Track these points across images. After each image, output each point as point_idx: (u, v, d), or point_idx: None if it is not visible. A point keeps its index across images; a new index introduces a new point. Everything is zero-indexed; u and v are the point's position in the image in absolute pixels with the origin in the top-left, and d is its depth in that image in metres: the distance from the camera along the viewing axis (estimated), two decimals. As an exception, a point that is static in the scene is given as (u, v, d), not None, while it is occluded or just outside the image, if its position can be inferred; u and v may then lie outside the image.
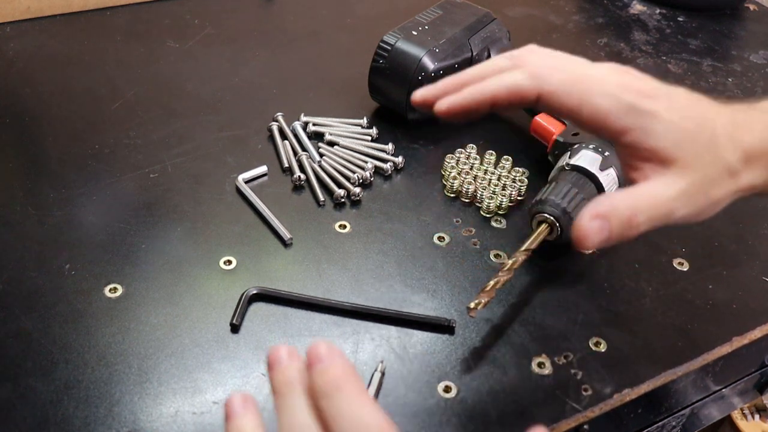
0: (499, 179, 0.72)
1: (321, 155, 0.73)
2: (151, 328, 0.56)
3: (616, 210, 0.44)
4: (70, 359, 0.53)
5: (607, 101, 0.45)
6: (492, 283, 0.59)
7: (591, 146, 0.67)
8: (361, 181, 0.70)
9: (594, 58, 0.94)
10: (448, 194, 0.71)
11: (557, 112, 0.48)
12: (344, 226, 0.66)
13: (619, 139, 0.46)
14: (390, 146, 0.75)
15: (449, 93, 0.47)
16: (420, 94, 0.49)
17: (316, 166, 0.71)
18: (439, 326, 0.58)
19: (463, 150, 0.75)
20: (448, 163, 0.73)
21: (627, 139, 0.46)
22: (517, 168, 0.73)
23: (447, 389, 0.54)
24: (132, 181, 0.69)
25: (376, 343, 0.57)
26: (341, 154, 0.73)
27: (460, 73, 0.48)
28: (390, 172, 0.72)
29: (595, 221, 0.44)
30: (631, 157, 0.47)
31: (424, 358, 0.56)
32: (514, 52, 0.48)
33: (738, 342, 0.60)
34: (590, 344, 0.58)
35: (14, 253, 0.60)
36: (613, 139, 0.47)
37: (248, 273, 0.61)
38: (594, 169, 0.65)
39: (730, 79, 0.94)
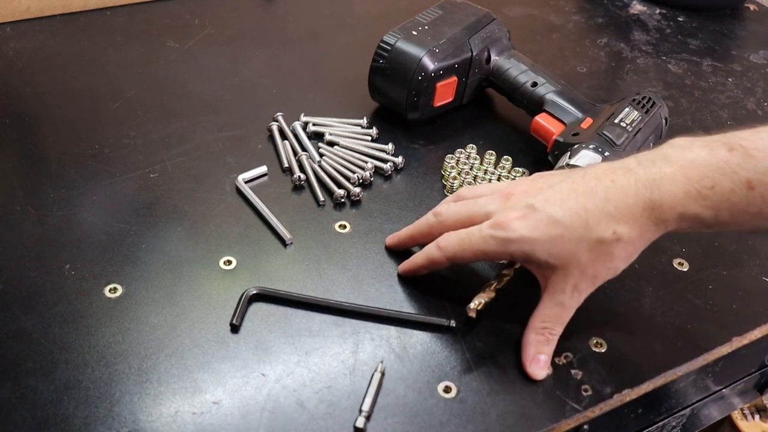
0: (499, 179, 0.72)
1: (321, 155, 0.73)
2: (151, 328, 0.56)
3: (535, 343, 0.56)
4: (70, 359, 0.53)
5: (489, 245, 0.55)
6: (492, 283, 0.59)
7: (591, 146, 0.67)
8: (361, 181, 0.70)
9: (594, 58, 0.95)
10: (448, 194, 0.71)
11: (466, 263, 0.63)
12: (344, 226, 0.66)
13: (516, 262, 0.60)
14: (390, 146, 0.75)
15: (403, 247, 0.64)
16: (389, 241, 0.65)
17: (316, 166, 0.71)
18: (439, 326, 0.58)
19: (463, 150, 0.75)
20: (448, 163, 0.73)
21: (518, 261, 0.58)
22: (517, 168, 0.73)
23: (447, 389, 0.54)
24: (132, 181, 0.69)
25: (376, 343, 0.57)
26: (341, 154, 0.73)
27: (406, 229, 0.64)
28: (390, 172, 0.72)
29: (533, 365, 0.55)
30: (530, 267, 0.57)
31: (424, 358, 0.56)
32: (439, 207, 0.62)
33: (738, 342, 0.60)
34: (590, 344, 0.58)
35: (14, 253, 0.60)
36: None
37: (248, 273, 0.61)
38: (594, 169, 0.64)
39: (730, 79, 0.94)
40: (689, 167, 0.51)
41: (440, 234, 0.59)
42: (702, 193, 0.50)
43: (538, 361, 0.56)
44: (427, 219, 0.62)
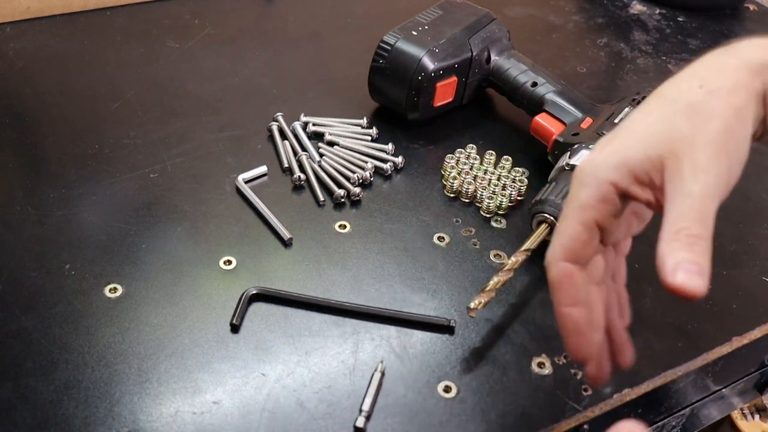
0: (499, 179, 0.72)
1: (321, 155, 0.73)
2: (151, 328, 0.56)
3: (671, 254, 0.40)
4: (70, 359, 0.53)
5: (578, 201, 0.44)
6: (492, 283, 0.59)
7: (591, 146, 0.67)
8: (361, 181, 0.70)
9: (594, 58, 0.95)
10: (448, 194, 0.71)
11: (588, 238, 0.45)
12: (344, 226, 0.66)
13: (630, 196, 0.44)
14: (390, 146, 0.75)
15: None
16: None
17: (316, 166, 0.71)
18: (439, 326, 0.58)
19: (463, 150, 0.75)
20: (448, 163, 0.73)
21: (622, 186, 0.43)
22: (517, 168, 0.73)
23: (447, 389, 0.54)
24: (132, 181, 0.69)
25: (376, 343, 0.57)
26: (341, 154, 0.73)
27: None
28: (390, 172, 0.72)
29: (678, 275, 0.40)
30: (640, 195, 0.44)
31: (424, 358, 0.56)
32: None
33: (738, 342, 0.60)
34: (590, 344, 0.58)
35: (14, 253, 0.60)
36: (637, 199, 0.44)
37: (248, 273, 0.61)
38: (594, 169, 0.64)
39: (730, 79, 0.94)
40: None
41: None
42: None
43: (687, 271, 0.40)
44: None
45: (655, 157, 0.42)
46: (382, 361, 0.55)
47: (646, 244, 0.68)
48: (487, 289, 0.59)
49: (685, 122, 0.42)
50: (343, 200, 0.68)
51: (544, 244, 0.62)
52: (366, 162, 0.72)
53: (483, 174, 0.72)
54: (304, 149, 0.73)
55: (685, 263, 0.40)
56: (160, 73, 0.83)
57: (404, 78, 0.74)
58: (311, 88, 0.83)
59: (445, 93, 0.76)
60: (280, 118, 0.76)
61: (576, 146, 0.68)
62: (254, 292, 0.58)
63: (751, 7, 1.11)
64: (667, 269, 0.40)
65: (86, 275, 0.59)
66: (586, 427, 0.54)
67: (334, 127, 0.77)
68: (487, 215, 0.69)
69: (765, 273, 0.66)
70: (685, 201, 0.41)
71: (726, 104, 0.42)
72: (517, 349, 0.57)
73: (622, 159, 0.43)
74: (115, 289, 0.58)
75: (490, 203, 0.69)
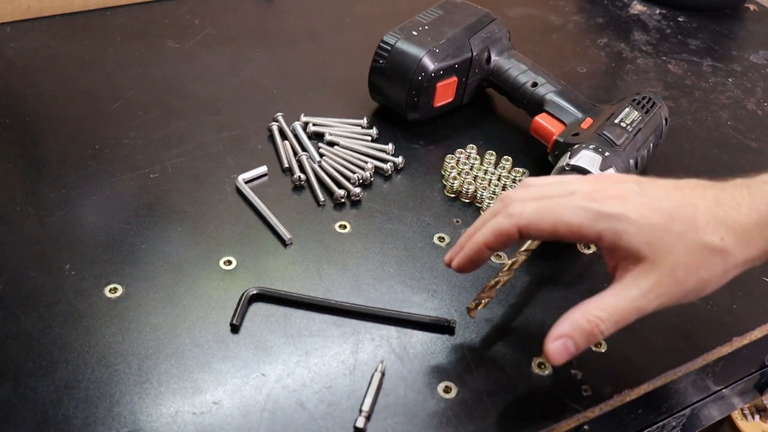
0: (499, 179, 0.72)
1: (321, 155, 0.73)
2: (151, 328, 0.56)
3: (576, 326, 0.48)
4: (70, 359, 0.53)
5: (576, 215, 0.48)
6: (492, 283, 0.59)
7: (591, 146, 0.67)
8: (361, 181, 0.70)
9: (594, 58, 0.95)
10: (448, 194, 0.71)
11: (538, 238, 0.55)
12: (344, 226, 0.66)
13: (597, 244, 0.50)
14: (390, 146, 0.75)
15: (461, 249, 0.54)
16: (446, 259, 0.55)
17: (316, 166, 0.71)
18: (439, 326, 0.58)
19: (463, 150, 0.75)
20: (448, 163, 0.73)
21: (603, 243, 0.49)
22: (517, 168, 0.73)
23: (447, 389, 0.54)
24: (132, 181, 0.69)
25: (376, 343, 0.57)
26: (341, 154, 0.73)
27: (466, 232, 0.54)
28: (390, 172, 0.72)
29: (557, 342, 0.48)
30: (611, 256, 0.50)
31: (424, 358, 0.56)
32: (507, 192, 0.55)
33: (738, 342, 0.60)
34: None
35: (14, 253, 0.60)
36: (593, 244, 0.51)
37: (248, 273, 0.61)
38: (594, 169, 0.65)
39: (730, 80, 0.94)
40: None
41: None
42: None
43: (565, 347, 0.48)
44: (492, 208, 0.53)
45: (643, 253, 0.47)
46: (382, 361, 0.55)
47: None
48: (487, 289, 0.59)
49: (684, 255, 0.47)
50: (343, 200, 0.68)
51: (544, 245, 0.63)
52: (366, 162, 0.72)
53: (483, 174, 0.72)
54: (304, 149, 0.73)
55: (571, 342, 0.48)
56: (160, 73, 0.83)
57: (404, 78, 0.74)
58: (311, 88, 0.83)
59: (445, 93, 0.76)
60: (280, 118, 0.76)
61: (576, 146, 0.68)
62: (254, 292, 0.58)
63: (751, 7, 1.11)
64: (556, 333, 0.48)
65: (86, 275, 0.59)
66: (586, 427, 0.54)
67: (334, 127, 0.77)
68: (487, 215, 0.69)
69: (765, 273, 0.66)
70: (622, 303, 0.47)
71: (720, 268, 0.47)
72: (517, 349, 0.57)
73: (622, 232, 0.47)
74: (115, 289, 0.58)
75: (490, 203, 0.69)
